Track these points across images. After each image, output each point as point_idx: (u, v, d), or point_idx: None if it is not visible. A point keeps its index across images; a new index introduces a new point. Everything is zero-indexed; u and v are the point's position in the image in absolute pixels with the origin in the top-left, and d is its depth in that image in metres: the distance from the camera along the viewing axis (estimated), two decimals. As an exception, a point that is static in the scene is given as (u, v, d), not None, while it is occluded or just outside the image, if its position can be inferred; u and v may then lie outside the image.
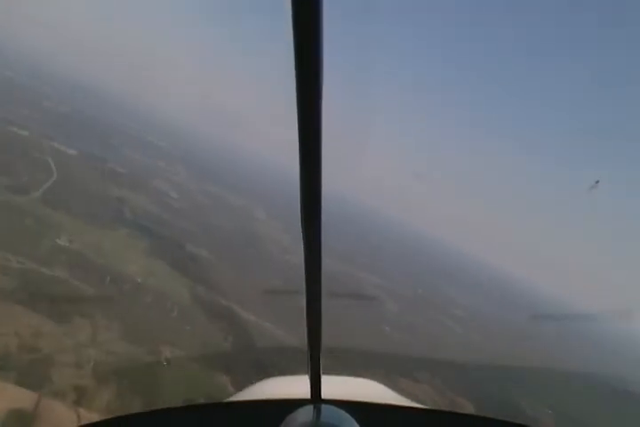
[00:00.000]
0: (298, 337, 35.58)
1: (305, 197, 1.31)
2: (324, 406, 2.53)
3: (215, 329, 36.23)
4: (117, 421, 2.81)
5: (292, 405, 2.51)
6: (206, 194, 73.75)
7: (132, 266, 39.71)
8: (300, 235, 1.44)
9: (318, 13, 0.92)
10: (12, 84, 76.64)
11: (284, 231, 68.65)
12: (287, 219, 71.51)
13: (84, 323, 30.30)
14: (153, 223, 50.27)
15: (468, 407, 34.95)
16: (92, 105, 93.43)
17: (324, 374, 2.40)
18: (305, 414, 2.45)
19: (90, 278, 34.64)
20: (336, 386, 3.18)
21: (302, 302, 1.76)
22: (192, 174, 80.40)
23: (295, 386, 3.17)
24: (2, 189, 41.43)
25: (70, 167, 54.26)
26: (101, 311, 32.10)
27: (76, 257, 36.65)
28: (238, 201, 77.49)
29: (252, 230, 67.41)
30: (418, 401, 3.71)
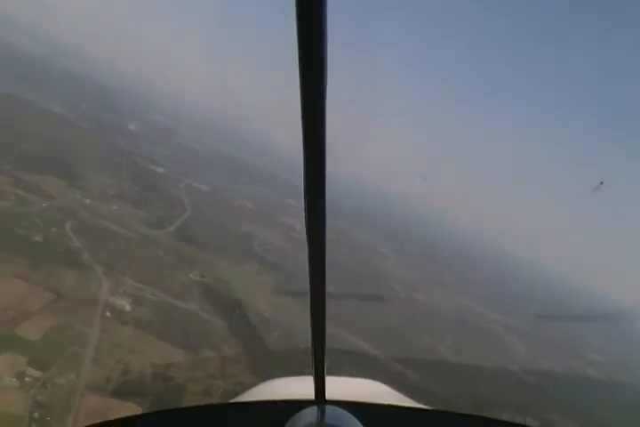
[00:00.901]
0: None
1: (309, 196, 1.32)
2: (328, 407, 2.54)
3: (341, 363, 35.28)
4: (121, 422, 2.77)
5: (296, 406, 2.52)
6: (332, 229, 73.37)
7: (260, 300, 39.52)
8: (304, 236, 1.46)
9: (322, 10, 0.93)
10: (156, 126, 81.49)
11: (410, 268, 66.76)
12: (414, 255, 69.33)
13: (213, 355, 30.88)
14: (281, 258, 50.29)
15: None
16: (224, 142, 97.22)
17: (328, 374, 2.38)
18: (309, 414, 2.46)
19: (219, 312, 34.79)
20: (340, 387, 3.17)
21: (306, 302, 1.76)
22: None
23: (299, 387, 3.13)
24: (140, 224, 43.26)
25: (203, 203, 56.11)
26: (229, 344, 32.40)
27: (207, 291, 37.01)
28: (362, 235, 76.48)
29: (376, 266, 66.00)
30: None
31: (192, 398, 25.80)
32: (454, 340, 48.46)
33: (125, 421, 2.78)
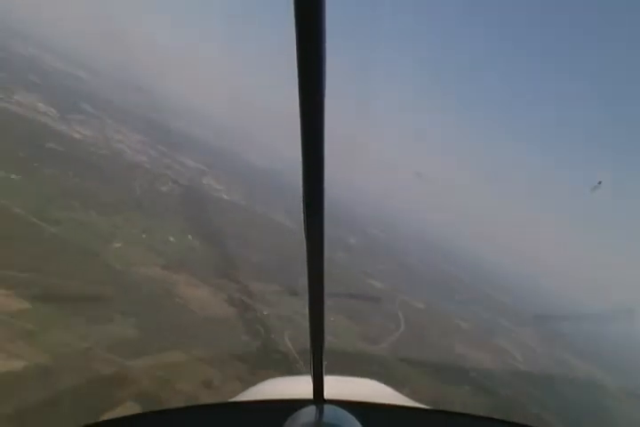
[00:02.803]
0: None
1: (308, 198, 1.32)
2: (326, 407, 2.55)
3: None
4: (120, 421, 2.77)
5: (294, 405, 2.52)
6: (554, 359, 67.12)
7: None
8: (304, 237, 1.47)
9: (321, 10, 0.95)
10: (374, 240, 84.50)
11: None
12: None
13: None
14: (494, 383, 47.03)
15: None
16: (440, 258, 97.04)
17: (326, 374, 2.38)
18: (308, 414, 2.46)
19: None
20: (339, 386, 3.17)
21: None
22: (538, 336, 74.33)
23: (298, 386, 3.15)
24: (355, 337, 43.63)
25: (417, 320, 55.35)
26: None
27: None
28: (587, 368, 67.78)
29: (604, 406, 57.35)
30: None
31: None
32: None
33: (123, 420, 2.80)
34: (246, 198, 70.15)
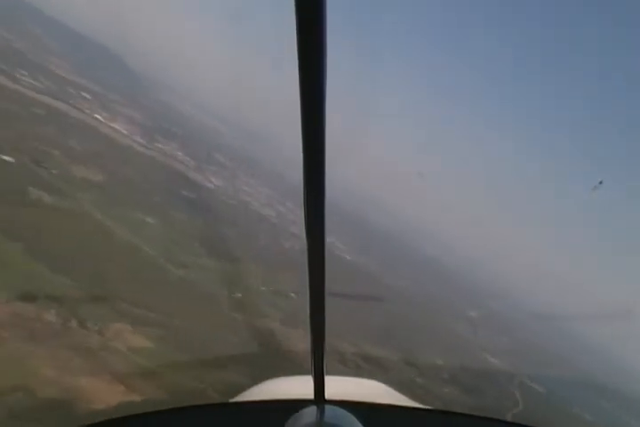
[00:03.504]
0: None
1: (308, 197, 1.31)
2: (327, 407, 2.54)
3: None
4: (120, 421, 2.75)
5: (295, 405, 2.52)
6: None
7: None
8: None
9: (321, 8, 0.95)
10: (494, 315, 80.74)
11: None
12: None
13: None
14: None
15: None
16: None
17: (327, 374, 2.37)
18: (308, 414, 2.46)
19: None
20: (340, 387, 3.19)
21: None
22: None
23: (299, 386, 3.12)
24: (469, 410, 40.92)
25: (536, 403, 51.45)
26: None
27: None
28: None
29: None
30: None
31: None
32: None
33: (124, 420, 2.79)
34: (376, 264, 70.00)
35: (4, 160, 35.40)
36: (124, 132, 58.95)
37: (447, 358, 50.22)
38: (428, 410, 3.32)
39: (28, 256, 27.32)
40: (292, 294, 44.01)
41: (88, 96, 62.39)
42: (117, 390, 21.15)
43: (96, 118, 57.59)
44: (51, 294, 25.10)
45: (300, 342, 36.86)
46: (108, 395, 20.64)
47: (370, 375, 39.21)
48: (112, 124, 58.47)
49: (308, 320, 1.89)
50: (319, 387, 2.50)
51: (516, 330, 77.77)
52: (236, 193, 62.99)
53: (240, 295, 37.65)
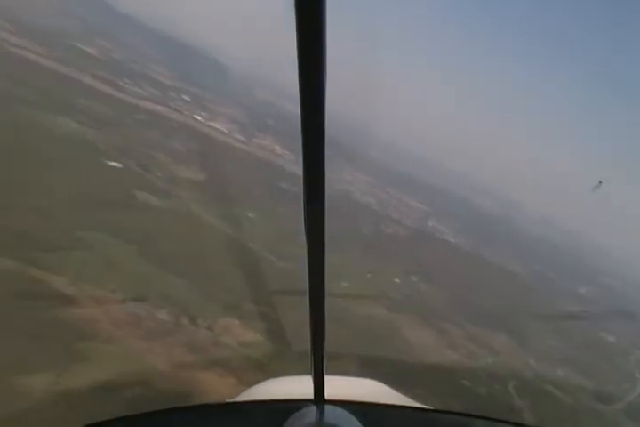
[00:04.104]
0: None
1: (308, 194, 1.31)
2: (327, 407, 2.59)
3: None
4: (121, 421, 2.78)
5: (295, 405, 2.58)
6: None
7: None
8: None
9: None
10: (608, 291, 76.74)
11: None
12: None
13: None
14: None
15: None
16: None
17: (327, 374, 2.38)
18: (308, 414, 2.52)
19: None
20: (339, 386, 3.18)
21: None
22: None
23: (298, 386, 3.04)
24: (585, 394, 39.54)
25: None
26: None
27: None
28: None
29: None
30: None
31: None
32: None
33: (124, 420, 2.80)
34: (469, 239, 68.58)
35: (112, 166, 37.82)
36: (224, 130, 60.93)
37: (559, 338, 48.49)
38: (427, 410, 3.33)
39: (142, 258, 29.14)
40: (397, 280, 44.24)
41: (187, 98, 64.95)
42: (229, 383, 22.06)
43: (195, 119, 60.00)
44: (162, 292, 26.64)
45: (410, 328, 37.19)
46: (221, 387, 21.62)
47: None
48: (211, 124, 60.69)
49: (308, 320, 1.90)
50: (319, 387, 2.53)
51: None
52: (338, 182, 63.10)
53: (345, 285, 38.05)
